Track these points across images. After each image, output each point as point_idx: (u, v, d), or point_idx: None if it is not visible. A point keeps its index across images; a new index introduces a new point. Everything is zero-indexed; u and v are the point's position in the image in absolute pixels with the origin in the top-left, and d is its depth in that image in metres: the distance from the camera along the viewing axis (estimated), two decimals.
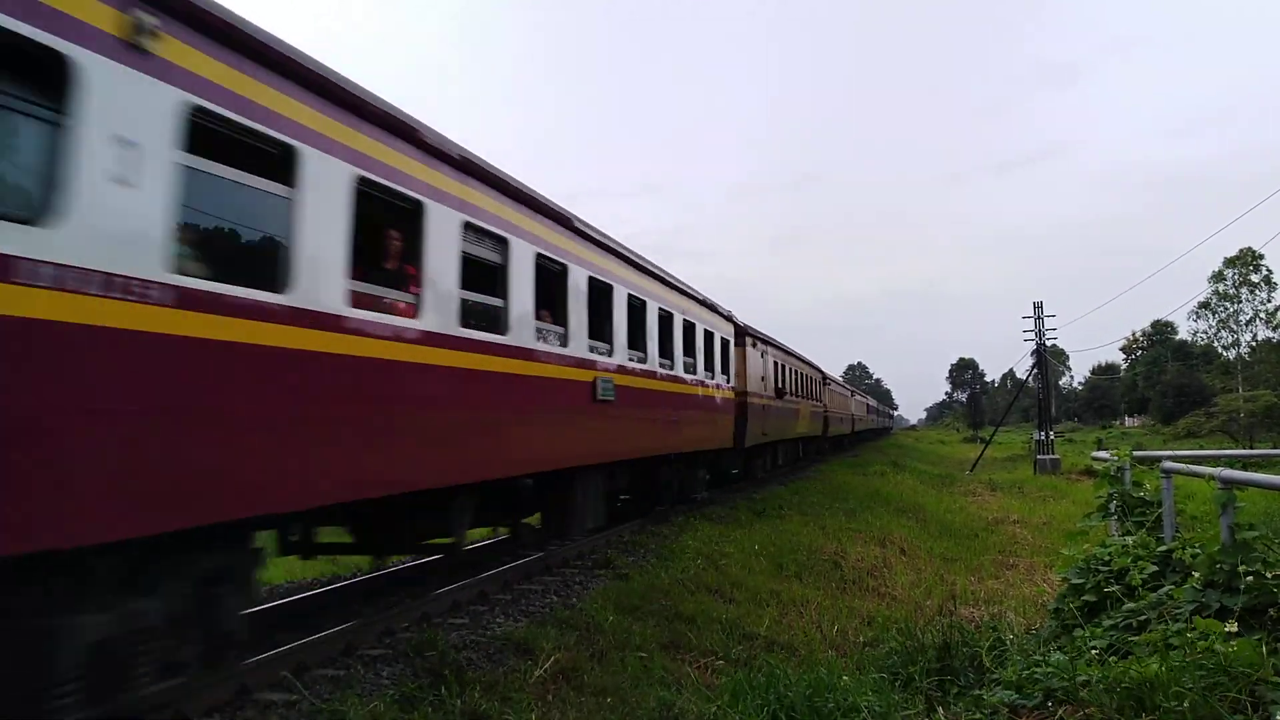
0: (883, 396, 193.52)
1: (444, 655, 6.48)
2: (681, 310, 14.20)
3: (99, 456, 4.01)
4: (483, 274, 7.84)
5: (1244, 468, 10.23)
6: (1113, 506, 9.01)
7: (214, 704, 5.50)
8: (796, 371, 26.98)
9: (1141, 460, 9.76)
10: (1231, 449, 35.64)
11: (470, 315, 7.46)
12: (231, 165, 4.89)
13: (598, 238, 10.56)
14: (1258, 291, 67.67)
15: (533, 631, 7.45)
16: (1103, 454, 10.02)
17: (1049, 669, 5.12)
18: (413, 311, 6.59)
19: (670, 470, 14.31)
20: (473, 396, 7.48)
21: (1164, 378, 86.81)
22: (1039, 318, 42.89)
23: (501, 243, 8.04)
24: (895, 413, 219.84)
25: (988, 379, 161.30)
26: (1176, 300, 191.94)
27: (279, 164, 5.23)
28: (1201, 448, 35.53)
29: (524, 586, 9.53)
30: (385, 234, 6.84)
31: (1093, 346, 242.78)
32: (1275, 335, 66.34)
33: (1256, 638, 4.82)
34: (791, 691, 5.30)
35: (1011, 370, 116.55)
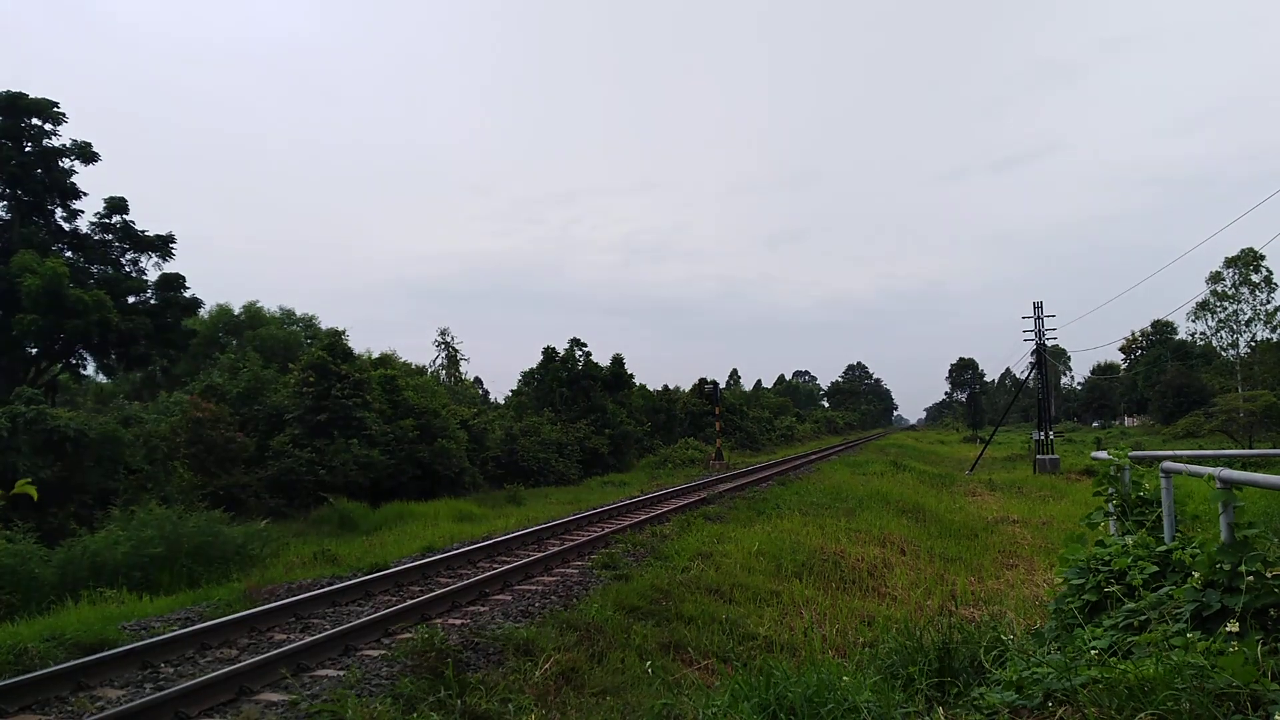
0: (883, 396, 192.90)
1: (444, 655, 6.48)
2: None
3: None
4: None
5: (1244, 468, 10.23)
6: (1112, 506, 9.00)
7: (214, 704, 5.50)
8: None
9: (1141, 460, 9.75)
10: (1231, 449, 35.62)
11: None
12: None
13: None
14: (1258, 292, 67.68)
15: (533, 632, 7.45)
16: (1102, 454, 10.01)
17: (1049, 669, 5.11)
18: None
19: None
20: None
21: (1164, 378, 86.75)
22: (1039, 318, 42.94)
23: None
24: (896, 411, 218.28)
25: (987, 379, 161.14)
26: (1176, 300, 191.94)
27: None
28: (1201, 448, 35.51)
29: (524, 587, 9.53)
30: None
31: (1093, 346, 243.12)
32: (1275, 335, 66.33)
33: (1256, 638, 4.81)
34: (791, 692, 5.29)
35: (1008, 370, 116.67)
